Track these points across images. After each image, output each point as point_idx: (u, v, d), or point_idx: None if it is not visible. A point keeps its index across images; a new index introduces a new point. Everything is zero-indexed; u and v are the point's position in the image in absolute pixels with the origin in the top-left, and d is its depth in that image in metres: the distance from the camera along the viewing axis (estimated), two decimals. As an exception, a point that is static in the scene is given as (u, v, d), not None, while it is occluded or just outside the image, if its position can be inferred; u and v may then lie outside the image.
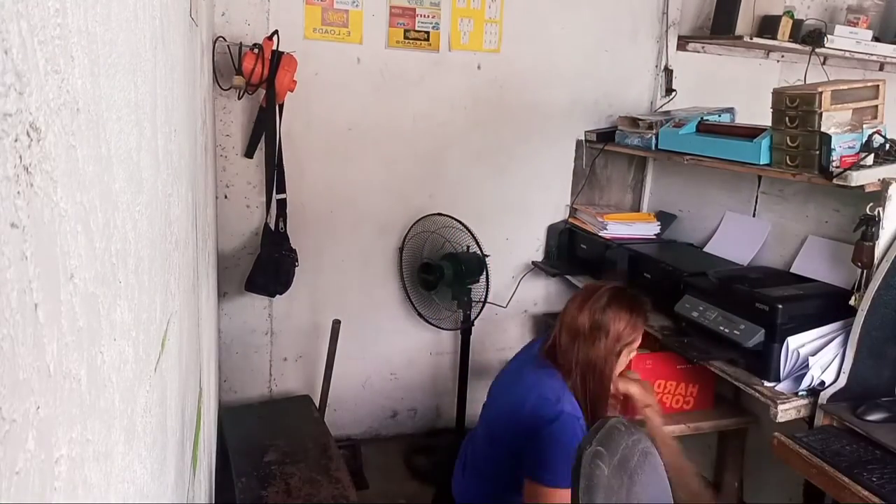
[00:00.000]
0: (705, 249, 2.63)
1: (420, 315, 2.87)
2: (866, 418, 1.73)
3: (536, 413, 1.60)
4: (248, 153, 2.55)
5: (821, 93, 1.92)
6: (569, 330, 1.66)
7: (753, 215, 2.49)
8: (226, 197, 2.60)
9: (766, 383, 1.92)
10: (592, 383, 1.63)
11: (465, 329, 2.80)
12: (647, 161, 3.12)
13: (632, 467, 1.26)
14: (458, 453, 1.90)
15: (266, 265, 2.46)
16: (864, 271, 1.80)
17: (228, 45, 2.39)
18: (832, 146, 1.89)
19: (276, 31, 2.34)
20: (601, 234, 2.80)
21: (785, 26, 2.88)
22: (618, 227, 2.80)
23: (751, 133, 2.20)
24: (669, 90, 3.07)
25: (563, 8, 2.87)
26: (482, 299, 2.72)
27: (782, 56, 3.24)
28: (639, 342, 1.72)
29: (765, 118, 2.16)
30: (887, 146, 1.90)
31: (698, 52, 3.12)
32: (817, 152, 1.92)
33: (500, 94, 2.87)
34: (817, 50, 2.97)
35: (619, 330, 1.64)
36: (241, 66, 2.31)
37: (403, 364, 3.02)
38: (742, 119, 2.61)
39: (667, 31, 3.02)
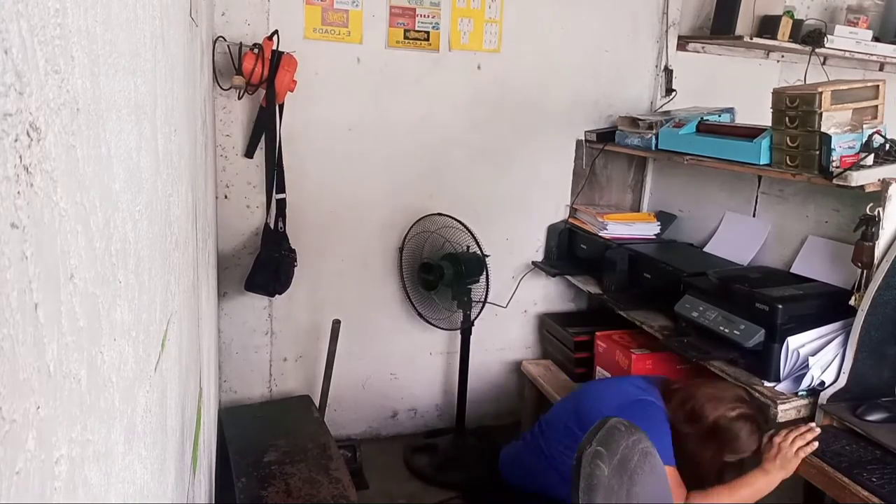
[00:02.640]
0: (705, 249, 2.63)
1: (420, 315, 2.87)
2: (866, 418, 1.73)
3: (636, 402, 1.73)
4: (248, 153, 2.55)
5: (821, 93, 1.92)
6: (687, 408, 1.76)
7: (753, 215, 2.49)
8: (226, 197, 2.60)
9: (766, 383, 1.92)
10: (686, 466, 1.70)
11: (465, 329, 2.80)
12: (647, 161, 3.12)
13: (632, 467, 1.26)
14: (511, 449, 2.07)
15: (266, 265, 2.46)
16: (864, 271, 1.80)
17: (228, 45, 2.39)
18: (832, 146, 1.89)
19: (276, 31, 2.34)
20: (601, 234, 2.80)
21: (785, 26, 2.88)
22: (618, 227, 2.80)
23: (751, 133, 2.20)
24: (669, 90, 3.07)
25: (563, 8, 2.87)
26: (482, 299, 2.72)
27: (782, 56, 3.24)
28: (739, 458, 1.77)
29: (765, 118, 2.16)
30: (887, 146, 1.90)
31: (698, 52, 3.12)
32: (817, 152, 1.92)
33: (500, 94, 2.87)
34: (817, 50, 2.97)
35: (739, 448, 1.73)
36: (241, 66, 2.31)
37: (403, 364, 3.02)
38: (742, 119, 2.61)
39: (667, 31, 3.02)
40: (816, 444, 1.69)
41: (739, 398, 1.76)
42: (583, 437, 1.71)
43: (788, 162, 2.03)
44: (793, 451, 1.66)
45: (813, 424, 1.72)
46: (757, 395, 1.90)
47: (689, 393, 1.78)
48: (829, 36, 2.93)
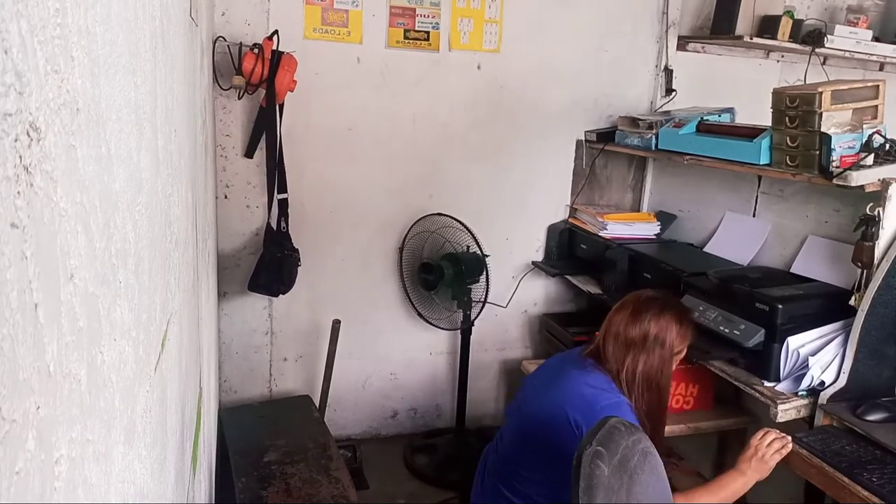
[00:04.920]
0: (705, 249, 2.63)
1: (420, 315, 2.87)
2: (866, 418, 1.73)
3: (593, 404, 1.56)
4: (249, 153, 2.55)
5: (821, 93, 1.92)
6: (618, 340, 1.65)
7: (753, 215, 2.48)
8: (226, 197, 2.60)
9: (766, 383, 1.92)
10: (650, 394, 1.62)
11: (465, 329, 2.80)
12: (647, 161, 3.12)
13: (632, 467, 1.26)
14: (478, 465, 1.86)
15: (269, 265, 2.46)
16: (864, 271, 1.80)
17: (228, 45, 2.39)
18: (832, 146, 1.89)
19: (276, 31, 2.34)
20: (601, 234, 2.80)
21: (785, 26, 2.88)
22: (618, 227, 2.80)
23: (751, 133, 2.20)
24: (669, 90, 3.07)
25: (563, 8, 2.87)
26: (482, 299, 2.72)
27: (782, 56, 3.24)
28: (685, 352, 1.70)
29: (765, 118, 2.16)
30: (887, 146, 1.90)
31: (698, 52, 3.12)
32: (817, 152, 1.92)
33: (500, 94, 2.87)
34: (817, 50, 2.97)
35: (672, 339, 1.63)
36: (241, 66, 2.31)
37: (403, 364, 3.02)
38: (742, 119, 2.61)
39: (667, 31, 3.02)
40: (790, 447, 1.65)
41: (647, 299, 1.67)
42: (537, 462, 1.61)
43: (788, 162, 2.03)
44: (770, 453, 1.61)
45: (786, 436, 1.68)
46: (757, 395, 1.90)
47: (607, 333, 1.68)
48: (829, 36, 2.94)
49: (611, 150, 2.97)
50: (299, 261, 2.56)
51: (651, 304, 1.66)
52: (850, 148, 1.91)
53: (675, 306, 1.69)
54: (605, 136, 2.94)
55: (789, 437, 1.66)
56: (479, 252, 2.66)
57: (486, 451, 1.87)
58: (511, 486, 1.68)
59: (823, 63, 3.10)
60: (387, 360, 2.99)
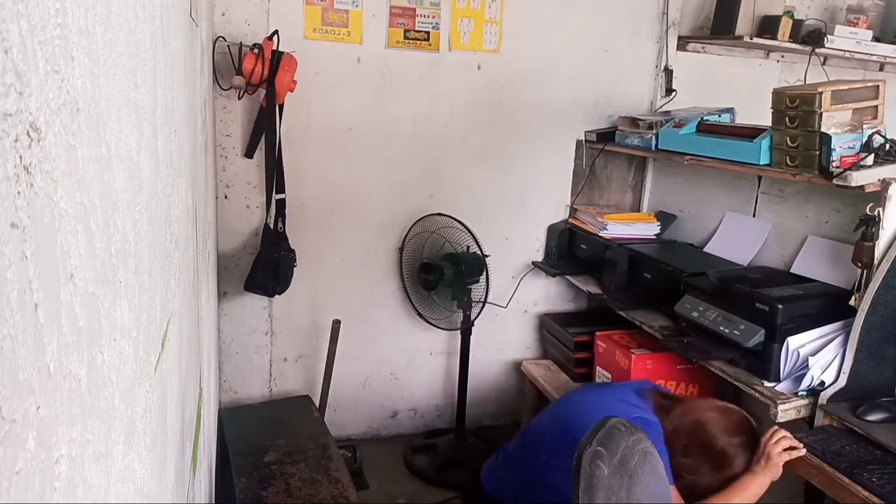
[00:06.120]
0: (705, 249, 2.63)
1: (420, 315, 2.87)
2: (866, 418, 1.73)
3: (628, 413, 1.60)
4: (248, 153, 2.55)
5: (821, 93, 1.92)
6: (696, 436, 1.65)
7: (753, 215, 2.49)
8: (226, 197, 2.60)
9: (766, 383, 1.92)
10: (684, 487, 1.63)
11: (465, 329, 2.80)
12: (647, 161, 3.12)
13: (632, 467, 1.26)
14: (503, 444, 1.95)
15: (265, 265, 2.46)
16: (864, 271, 1.80)
17: (228, 45, 2.39)
18: (832, 146, 1.89)
19: (276, 31, 2.34)
20: (601, 234, 2.80)
21: (785, 26, 2.88)
22: (618, 228, 2.80)
23: (751, 133, 2.20)
24: (669, 90, 3.07)
25: (563, 8, 2.87)
26: (482, 299, 2.72)
27: (782, 56, 3.24)
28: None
29: (765, 118, 2.16)
30: (887, 146, 1.90)
31: (698, 52, 3.12)
32: (817, 152, 1.92)
33: (500, 94, 2.87)
34: (817, 50, 2.97)
35: (738, 470, 1.63)
36: (241, 66, 2.31)
37: (403, 364, 3.02)
38: (742, 119, 2.61)
39: (667, 31, 3.02)
40: (804, 450, 1.65)
41: (744, 423, 1.67)
42: (568, 454, 1.67)
43: (788, 162, 2.03)
44: (776, 451, 1.61)
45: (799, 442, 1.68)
46: (757, 395, 1.90)
47: (691, 416, 1.68)
48: (829, 36, 2.94)
49: (611, 150, 2.97)
50: (295, 261, 2.56)
51: (743, 428, 1.67)
52: (850, 148, 1.91)
53: (756, 442, 1.68)
54: (605, 136, 2.94)
55: (802, 444, 1.65)
56: (479, 252, 2.66)
57: (516, 437, 1.94)
58: (534, 472, 1.74)
59: (823, 63, 3.10)
60: (387, 360, 2.99)
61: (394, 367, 3.01)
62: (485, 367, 3.11)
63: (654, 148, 2.67)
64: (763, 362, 1.92)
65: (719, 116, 2.57)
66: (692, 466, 1.62)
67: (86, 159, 0.43)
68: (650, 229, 2.86)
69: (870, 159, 1.88)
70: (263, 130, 2.47)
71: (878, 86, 2.02)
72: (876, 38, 3.10)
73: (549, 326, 3.01)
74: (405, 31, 2.68)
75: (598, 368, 2.63)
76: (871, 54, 3.12)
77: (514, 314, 3.12)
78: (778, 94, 2.07)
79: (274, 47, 2.32)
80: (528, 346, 3.19)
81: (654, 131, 2.66)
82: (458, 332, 2.86)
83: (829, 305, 1.90)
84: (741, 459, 1.64)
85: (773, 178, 2.29)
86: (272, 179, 2.49)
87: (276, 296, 2.56)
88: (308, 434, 2.37)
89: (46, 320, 0.35)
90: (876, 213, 1.76)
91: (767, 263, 2.36)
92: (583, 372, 2.75)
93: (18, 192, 0.32)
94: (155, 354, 0.73)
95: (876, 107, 2.00)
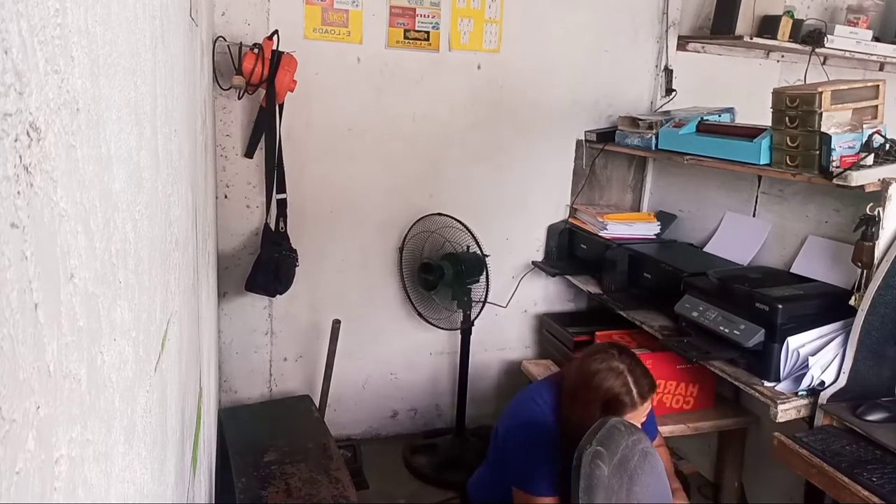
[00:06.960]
0: (705, 249, 2.63)
1: (420, 315, 2.87)
2: (866, 418, 1.73)
3: (520, 415, 1.69)
4: (248, 153, 2.55)
5: (821, 93, 1.92)
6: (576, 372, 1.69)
7: (753, 215, 2.49)
8: (226, 197, 2.60)
9: (766, 383, 1.92)
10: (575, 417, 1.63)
11: (465, 329, 2.80)
12: (647, 161, 3.12)
13: (632, 467, 1.26)
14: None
15: (266, 265, 2.46)
16: (864, 271, 1.80)
17: (228, 45, 2.39)
18: (832, 146, 1.89)
19: (276, 31, 2.34)
20: (601, 234, 2.80)
21: (785, 26, 2.88)
22: (618, 227, 2.80)
23: (751, 133, 2.20)
24: (669, 90, 3.07)
25: (563, 8, 2.87)
26: (482, 299, 2.72)
27: (782, 56, 3.24)
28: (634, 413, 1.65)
29: (765, 118, 2.16)
30: (887, 146, 1.90)
31: (698, 52, 3.12)
32: (817, 152, 1.92)
33: (500, 94, 2.87)
34: (817, 50, 2.97)
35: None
36: (241, 66, 2.31)
37: (403, 364, 3.02)
38: (742, 119, 2.61)
39: (667, 31, 3.02)
40: None
41: (603, 351, 1.67)
42: (498, 460, 1.74)
43: (788, 162, 2.03)
44: None
45: None
46: (757, 395, 1.90)
47: (568, 380, 1.70)
48: (829, 36, 2.94)
49: (611, 150, 2.97)
50: (297, 261, 2.56)
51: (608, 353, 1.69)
52: (850, 148, 1.91)
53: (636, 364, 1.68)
54: (605, 136, 2.94)
55: None
56: (479, 252, 2.66)
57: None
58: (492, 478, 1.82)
59: (823, 63, 3.10)
60: (387, 360, 2.99)
61: (394, 366, 3.01)
62: (485, 366, 3.11)
63: (654, 148, 2.67)
64: (763, 362, 1.92)
65: (719, 116, 2.57)
66: (577, 406, 1.62)
67: (86, 159, 0.43)
68: (650, 229, 2.86)
69: (870, 159, 1.88)
70: (263, 130, 2.47)
71: (878, 86, 2.02)
72: (876, 38, 3.10)
73: (549, 326, 3.01)
74: (405, 30, 2.68)
75: (598, 368, 2.62)
76: (871, 54, 3.12)
77: (514, 314, 3.12)
78: (778, 94, 2.07)
79: (274, 47, 2.32)
80: (527, 345, 3.19)
81: (654, 131, 2.66)
82: (458, 331, 2.86)
83: (829, 305, 1.90)
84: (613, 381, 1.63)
85: (773, 177, 2.29)
86: (272, 179, 2.49)
87: (278, 295, 2.56)
88: (308, 434, 2.37)
89: (46, 320, 0.35)
90: (876, 212, 1.76)
91: (767, 263, 2.36)
92: (583, 372, 2.75)
93: (18, 192, 0.32)
94: (155, 354, 0.73)
95: (876, 107, 2.00)
